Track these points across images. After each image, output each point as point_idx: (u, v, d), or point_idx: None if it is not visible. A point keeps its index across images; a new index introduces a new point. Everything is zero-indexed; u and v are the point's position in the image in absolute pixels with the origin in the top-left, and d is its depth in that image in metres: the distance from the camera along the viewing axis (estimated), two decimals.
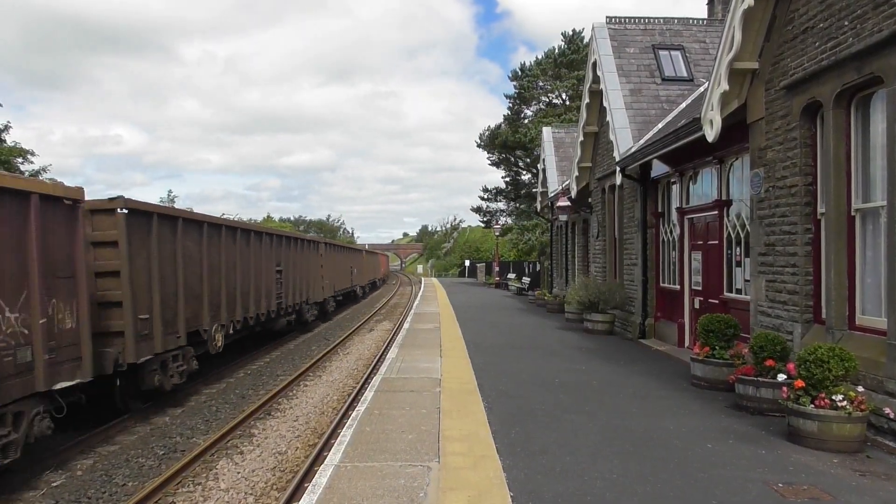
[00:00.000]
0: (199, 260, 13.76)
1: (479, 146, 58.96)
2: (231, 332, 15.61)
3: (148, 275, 11.38)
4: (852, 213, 8.38)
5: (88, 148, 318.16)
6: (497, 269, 50.75)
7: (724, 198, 12.60)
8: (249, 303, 16.94)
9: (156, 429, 11.10)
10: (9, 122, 37.97)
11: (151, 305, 11.39)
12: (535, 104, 53.66)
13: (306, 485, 6.53)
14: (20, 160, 37.45)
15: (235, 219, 30.70)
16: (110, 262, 10.45)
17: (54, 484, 8.48)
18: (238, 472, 8.83)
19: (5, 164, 34.87)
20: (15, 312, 7.93)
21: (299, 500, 5.85)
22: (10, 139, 37.76)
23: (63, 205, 9.13)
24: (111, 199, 10.63)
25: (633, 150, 15.85)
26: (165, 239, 12.14)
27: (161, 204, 13.65)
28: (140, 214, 11.19)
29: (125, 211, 10.65)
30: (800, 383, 7.31)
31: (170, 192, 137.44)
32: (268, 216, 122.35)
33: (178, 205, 55.93)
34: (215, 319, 14.50)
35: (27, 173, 36.14)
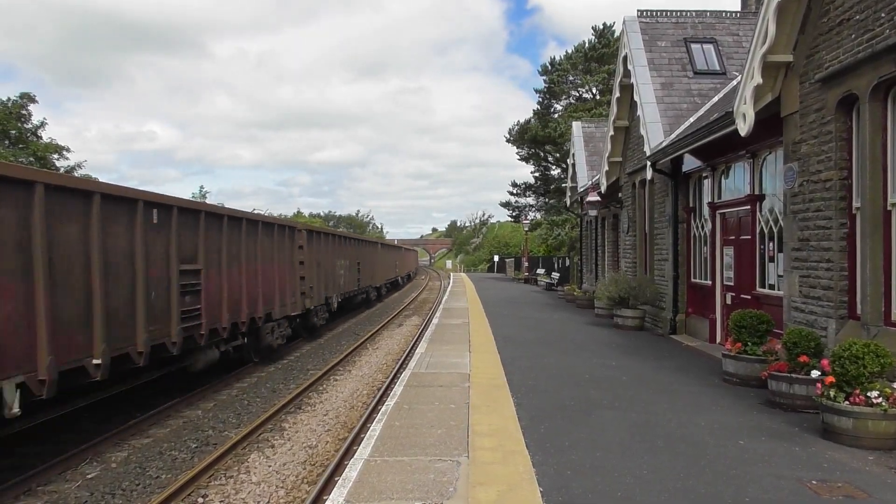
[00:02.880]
0: (326, 256, 22.32)
1: (508, 141, 58.57)
2: (339, 301, 24.57)
3: (310, 263, 19.77)
4: (888, 208, 8.24)
5: (123, 144, 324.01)
6: (526, 264, 50.63)
7: (756, 192, 12.43)
8: (345, 284, 25.88)
9: (188, 422, 11.27)
10: (44, 118, 38.66)
11: (313, 280, 20.01)
12: (565, 99, 53.24)
13: (336, 478, 6.58)
14: (55, 156, 38.12)
15: (267, 214, 34.64)
16: (300, 257, 18.88)
17: (89, 476, 8.64)
18: (269, 466, 8.94)
19: (41, 160, 35.54)
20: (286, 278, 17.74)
21: (330, 494, 5.90)
22: (45, 136, 38.44)
23: (292, 229, 18.65)
24: (301, 224, 20.86)
25: (664, 144, 15.70)
26: (317, 245, 21.05)
27: (313, 225, 25.54)
28: (309, 232, 20.29)
29: (306, 230, 19.86)
30: (831, 379, 7.22)
31: (201, 187, 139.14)
32: (298, 212, 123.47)
33: (210, 200, 56.70)
34: (333, 291, 23.26)
35: (62, 169, 36.82)
